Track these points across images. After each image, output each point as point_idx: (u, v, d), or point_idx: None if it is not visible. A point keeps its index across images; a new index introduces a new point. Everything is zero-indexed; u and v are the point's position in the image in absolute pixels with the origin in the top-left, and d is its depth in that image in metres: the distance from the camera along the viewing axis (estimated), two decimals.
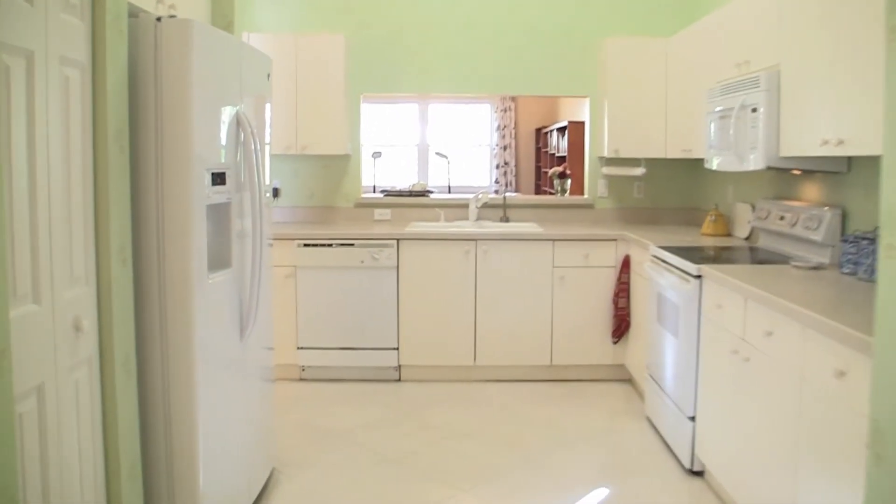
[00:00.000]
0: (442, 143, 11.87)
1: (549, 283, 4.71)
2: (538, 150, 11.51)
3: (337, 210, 5.38)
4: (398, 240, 4.68)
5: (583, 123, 9.32)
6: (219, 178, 2.52)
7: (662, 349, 3.81)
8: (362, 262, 4.67)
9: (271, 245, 3.27)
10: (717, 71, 3.99)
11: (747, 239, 4.39)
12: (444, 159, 10.82)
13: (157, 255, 2.36)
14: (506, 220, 5.32)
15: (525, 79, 5.33)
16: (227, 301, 2.66)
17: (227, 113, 2.61)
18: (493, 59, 5.30)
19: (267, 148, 3.18)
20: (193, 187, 2.35)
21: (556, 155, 9.64)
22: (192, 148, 2.33)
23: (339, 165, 5.36)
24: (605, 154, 5.10)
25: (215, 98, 2.52)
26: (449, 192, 11.18)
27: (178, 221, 2.34)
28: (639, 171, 5.07)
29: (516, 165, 11.77)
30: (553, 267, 4.70)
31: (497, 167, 11.72)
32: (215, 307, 2.55)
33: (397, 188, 5.48)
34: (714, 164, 3.90)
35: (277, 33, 5.08)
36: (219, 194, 2.53)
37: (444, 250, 4.69)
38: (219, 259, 2.60)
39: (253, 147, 2.71)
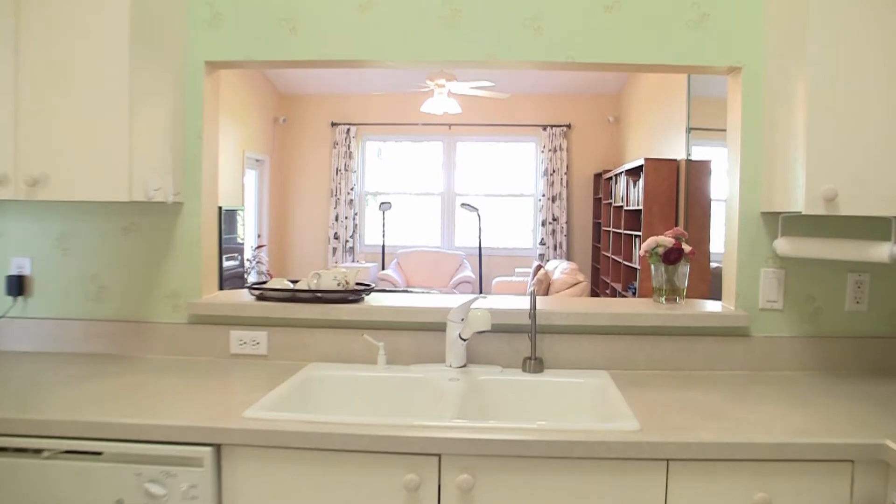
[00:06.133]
0: (474, 192, 9.13)
1: None
2: (597, 201, 8.60)
3: (153, 329, 2.37)
4: (219, 445, 1.65)
5: (667, 162, 6.24)
6: None
7: None
8: (119, 501, 1.65)
9: None
10: None
11: None
12: (474, 212, 7.91)
13: None
14: (537, 363, 2.23)
15: (603, 33, 2.31)
16: None
17: None
18: None
19: None
20: None
21: (626, 209, 6.62)
22: None
23: (157, 226, 2.38)
24: (800, 207, 1.95)
25: None
26: (479, 258, 8.21)
27: None
28: (887, 249, 1.93)
29: (568, 222, 8.84)
30: None
31: (543, 224, 8.81)
32: None
33: (288, 281, 2.42)
34: None
35: None
36: None
37: (350, 477, 1.64)
38: None
39: None
